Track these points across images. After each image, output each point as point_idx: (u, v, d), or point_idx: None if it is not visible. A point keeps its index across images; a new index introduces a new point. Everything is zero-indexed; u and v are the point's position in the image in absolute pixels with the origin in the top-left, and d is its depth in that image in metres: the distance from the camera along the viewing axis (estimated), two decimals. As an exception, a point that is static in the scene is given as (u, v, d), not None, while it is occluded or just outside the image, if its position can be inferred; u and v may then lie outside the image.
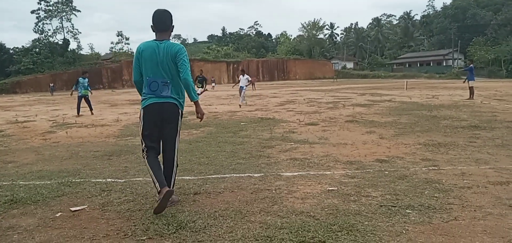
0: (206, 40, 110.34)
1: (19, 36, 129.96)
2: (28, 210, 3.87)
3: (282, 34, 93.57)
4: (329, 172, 5.07)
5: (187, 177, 4.96)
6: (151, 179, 3.79)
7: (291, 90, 31.15)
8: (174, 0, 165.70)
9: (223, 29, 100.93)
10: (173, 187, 3.91)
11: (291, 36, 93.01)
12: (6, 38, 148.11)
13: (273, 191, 4.28)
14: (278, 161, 5.80)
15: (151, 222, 3.40)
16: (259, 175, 5.00)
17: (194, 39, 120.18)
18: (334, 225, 3.24)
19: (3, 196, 4.30)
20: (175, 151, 3.98)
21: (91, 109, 15.40)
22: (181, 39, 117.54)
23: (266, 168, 5.38)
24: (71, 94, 16.59)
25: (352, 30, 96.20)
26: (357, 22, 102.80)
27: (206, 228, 3.26)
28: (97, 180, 4.99)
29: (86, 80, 15.69)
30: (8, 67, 59.60)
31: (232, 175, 5.03)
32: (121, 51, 75.38)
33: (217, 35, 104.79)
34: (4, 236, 3.23)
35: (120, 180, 4.93)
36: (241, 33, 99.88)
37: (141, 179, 4.96)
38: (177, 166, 4.04)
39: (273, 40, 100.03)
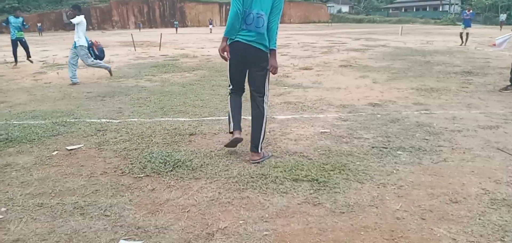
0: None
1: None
2: (24, 149, 3.89)
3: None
4: (322, 115, 5.13)
5: (182, 119, 4.99)
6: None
7: (285, 34, 30.70)
8: None
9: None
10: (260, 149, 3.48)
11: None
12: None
13: (268, 133, 4.33)
14: (272, 104, 5.82)
15: (148, 161, 3.45)
16: (253, 117, 5.04)
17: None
18: (327, 164, 3.33)
19: (-2, 135, 4.31)
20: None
21: (28, 55, 12.87)
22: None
23: (260, 110, 5.41)
24: None
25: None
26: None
27: (202, 166, 3.33)
28: (92, 120, 5.00)
29: (20, 20, 12.83)
30: (-8, 5, 57.43)
31: (227, 117, 5.05)
32: (110, -10, 72.74)
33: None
34: (2, 173, 3.26)
35: (115, 121, 4.95)
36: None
37: (136, 120, 4.98)
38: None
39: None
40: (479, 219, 2.45)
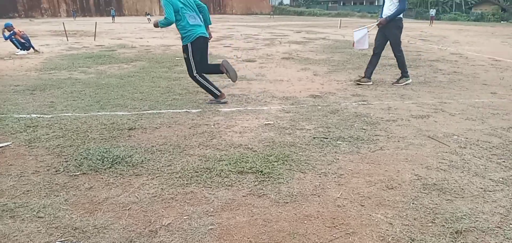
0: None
1: None
2: None
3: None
4: (266, 107, 5.17)
5: (121, 113, 4.79)
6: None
7: (227, 25, 30.56)
8: None
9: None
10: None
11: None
12: None
13: (212, 126, 4.29)
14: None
15: (84, 158, 3.26)
16: (196, 110, 4.96)
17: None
18: (271, 156, 3.36)
19: None
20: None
21: None
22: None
23: (204, 104, 5.34)
24: None
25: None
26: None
27: (143, 162, 3.22)
28: (21, 115, 4.64)
29: None
30: None
31: (168, 110, 4.94)
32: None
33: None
34: None
35: (46, 116, 4.63)
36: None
37: (70, 114, 4.69)
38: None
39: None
40: (413, 203, 2.61)
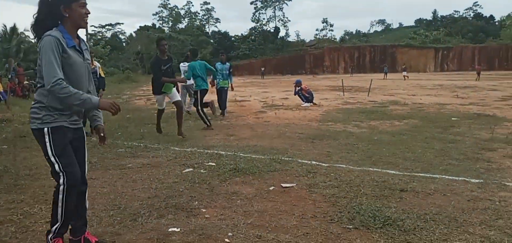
0: (413, 24, 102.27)
1: (240, 25, 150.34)
2: (247, 180, 4.41)
3: (508, 16, 78.72)
4: None
5: (392, 171, 4.75)
6: None
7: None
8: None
9: (434, 12, 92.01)
10: None
11: (522, 17, 77.40)
12: (230, 27, 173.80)
13: (497, 203, 3.66)
14: (502, 167, 4.94)
15: (357, 212, 3.37)
16: (477, 181, 4.37)
17: (400, 23, 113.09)
18: None
19: (228, 164, 5.03)
20: None
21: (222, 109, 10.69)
22: (386, 24, 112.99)
23: (486, 174, 4.65)
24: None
25: None
26: None
27: (415, 229, 3.04)
28: (303, 161, 5.29)
29: (227, 66, 10.73)
30: (229, 52, 69.38)
31: (443, 176, 4.55)
32: (324, 37, 78.34)
33: (426, 19, 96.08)
34: (230, 200, 3.77)
35: (323, 164, 5.10)
36: (456, 16, 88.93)
37: (344, 166, 5.01)
38: None
39: (496, 23, 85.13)
40: None
